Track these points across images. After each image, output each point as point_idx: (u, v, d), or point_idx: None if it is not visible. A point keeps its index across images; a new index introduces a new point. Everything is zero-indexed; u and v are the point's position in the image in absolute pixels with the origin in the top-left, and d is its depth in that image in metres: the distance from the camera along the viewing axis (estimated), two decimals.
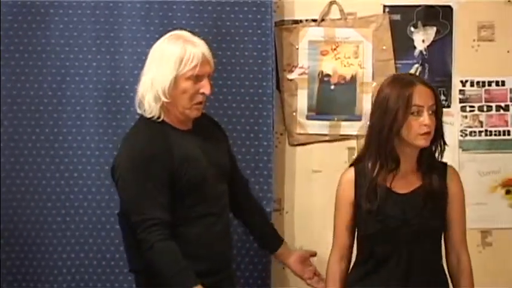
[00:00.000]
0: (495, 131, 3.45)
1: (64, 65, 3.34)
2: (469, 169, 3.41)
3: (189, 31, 2.91)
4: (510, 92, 3.45)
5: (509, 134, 3.46)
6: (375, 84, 3.39)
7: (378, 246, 2.74)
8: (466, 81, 3.45)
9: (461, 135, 3.45)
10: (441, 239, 2.80)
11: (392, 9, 3.43)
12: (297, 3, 3.44)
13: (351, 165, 2.85)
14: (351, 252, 2.85)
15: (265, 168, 3.35)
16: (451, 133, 3.33)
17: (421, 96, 2.67)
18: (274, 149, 3.40)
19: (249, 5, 3.35)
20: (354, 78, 3.45)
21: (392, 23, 3.43)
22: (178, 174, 2.75)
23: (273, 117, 3.37)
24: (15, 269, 3.33)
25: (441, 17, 3.43)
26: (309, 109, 3.45)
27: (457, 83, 3.45)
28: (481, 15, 3.43)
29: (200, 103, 2.82)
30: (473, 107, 3.46)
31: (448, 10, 3.43)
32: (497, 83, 3.45)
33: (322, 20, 3.45)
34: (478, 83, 3.45)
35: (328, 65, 3.45)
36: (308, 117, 3.45)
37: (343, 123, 3.45)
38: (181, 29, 3.01)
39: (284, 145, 3.47)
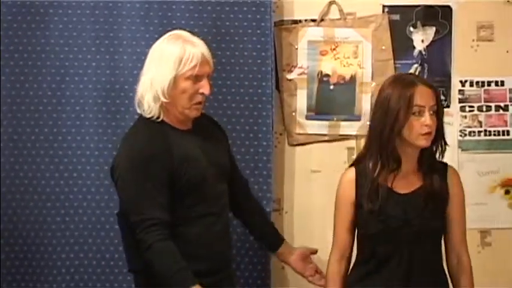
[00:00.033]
0: (494, 131, 3.45)
1: (63, 65, 3.34)
2: (468, 169, 3.40)
3: (188, 31, 2.91)
4: (509, 92, 3.45)
5: (508, 134, 3.46)
6: (374, 84, 3.39)
7: (379, 246, 2.74)
8: (466, 81, 3.45)
9: (461, 135, 3.45)
10: (441, 240, 2.80)
11: (392, 9, 3.43)
12: (296, 3, 3.44)
13: (351, 165, 2.85)
14: (351, 252, 2.85)
15: (265, 168, 3.35)
16: (451, 133, 3.32)
17: (422, 96, 2.67)
18: (274, 149, 3.40)
19: (249, 5, 3.34)
20: (353, 78, 3.44)
21: (391, 23, 3.43)
22: (177, 174, 2.75)
23: (273, 117, 3.37)
24: (15, 269, 3.32)
25: (440, 17, 3.43)
26: (308, 109, 3.45)
27: (456, 83, 3.45)
28: (480, 15, 3.43)
29: (199, 103, 2.81)
30: (472, 107, 3.46)
31: (447, 10, 3.43)
32: (496, 83, 3.45)
33: (322, 20, 3.45)
34: (477, 83, 3.45)
35: (328, 65, 3.44)
36: (307, 117, 3.45)
37: (342, 123, 3.44)
38: (180, 29, 3.01)
39: (283, 145, 3.47)
